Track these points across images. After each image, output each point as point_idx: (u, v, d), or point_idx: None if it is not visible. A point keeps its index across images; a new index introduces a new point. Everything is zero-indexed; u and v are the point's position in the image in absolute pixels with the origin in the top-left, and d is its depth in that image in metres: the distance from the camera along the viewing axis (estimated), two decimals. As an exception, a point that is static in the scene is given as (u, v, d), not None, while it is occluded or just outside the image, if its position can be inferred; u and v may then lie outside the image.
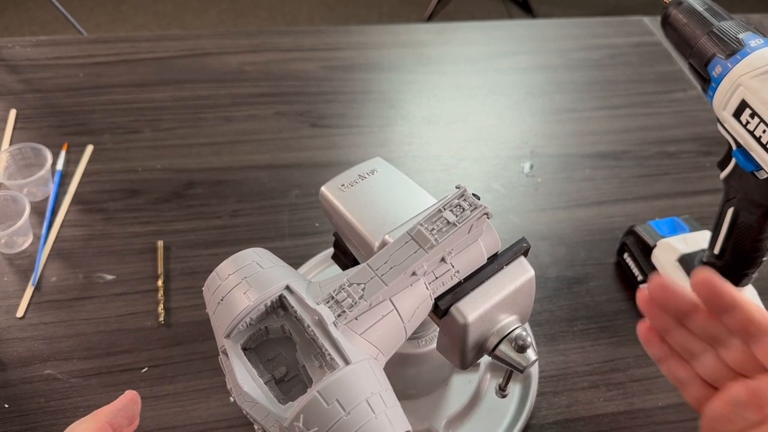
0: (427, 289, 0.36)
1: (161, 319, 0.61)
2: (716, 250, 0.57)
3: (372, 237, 0.41)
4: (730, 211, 0.54)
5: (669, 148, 0.82)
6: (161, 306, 0.61)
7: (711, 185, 0.77)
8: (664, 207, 0.74)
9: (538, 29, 0.99)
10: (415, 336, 0.49)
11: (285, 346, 0.35)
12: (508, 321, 0.39)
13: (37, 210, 0.69)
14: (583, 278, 0.67)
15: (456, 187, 0.37)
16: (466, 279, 0.38)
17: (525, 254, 0.40)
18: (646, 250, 0.64)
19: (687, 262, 0.61)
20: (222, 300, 0.34)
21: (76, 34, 1.65)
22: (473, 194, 0.37)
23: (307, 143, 0.79)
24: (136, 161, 0.75)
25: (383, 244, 0.39)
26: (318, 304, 0.33)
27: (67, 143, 0.75)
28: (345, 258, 0.50)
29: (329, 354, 0.31)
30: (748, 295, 0.59)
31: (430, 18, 2.21)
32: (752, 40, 0.47)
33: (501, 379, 0.46)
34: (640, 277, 0.65)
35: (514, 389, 0.57)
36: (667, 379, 0.60)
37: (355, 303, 0.33)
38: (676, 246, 0.63)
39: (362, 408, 0.30)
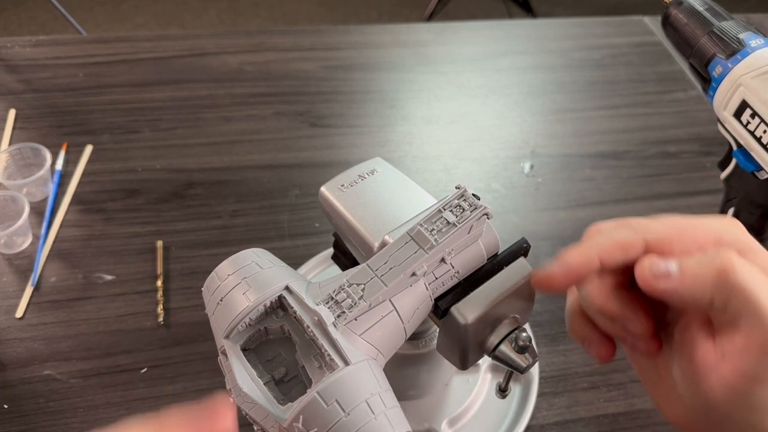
0: (427, 289, 0.36)
1: (161, 319, 0.61)
2: (717, 251, 0.57)
3: (372, 237, 0.40)
4: (730, 212, 0.54)
5: (669, 148, 0.82)
6: (161, 306, 0.61)
7: (711, 185, 0.77)
8: (665, 207, 0.74)
9: (538, 29, 0.99)
10: (415, 336, 0.49)
11: (284, 346, 0.34)
12: (508, 321, 0.39)
13: (37, 210, 0.69)
14: (583, 278, 0.67)
15: (456, 187, 0.37)
16: (466, 279, 0.38)
17: (525, 254, 0.40)
18: (647, 250, 0.64)
19: (687, 263, 0.61)
20: (221, 300, 0.34)
21: (75, 34, 1.65)
22: (473, 194, 0.37)
23: (306, 143, 0.79)
24: (135, 161, 0.75)
25: (383, 244, 0.39)
26: (317, 304, 0.33)
27: (67, 143, 0.75)
28: (345, 258, 0.50)
29: (329, 355, 0.31)
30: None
31: (430, 18, 2.21)
32: (753, 40, 0.46)
33: (501, 380, 0.46)
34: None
35: (515, 390, 0.57)
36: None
37: (355, 303, 0.33)
38: (677, 246, 0.63)
39: (362, 409, 0.30)
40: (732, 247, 0.31)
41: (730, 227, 0.32)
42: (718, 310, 0.29)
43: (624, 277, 0.33)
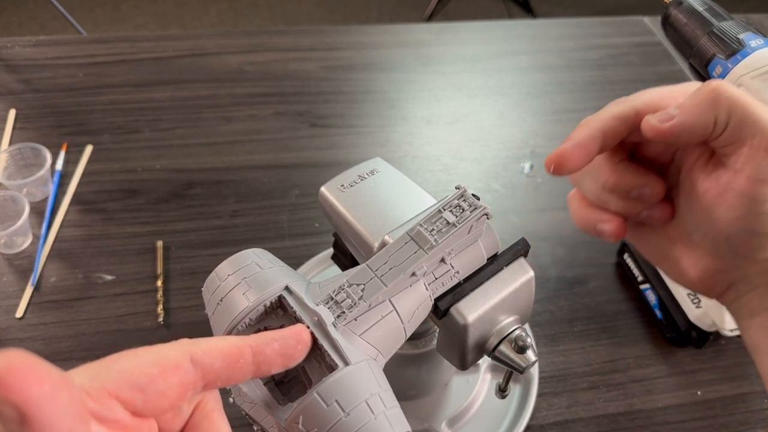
0: (427, 289, 0.36)
1: (161, 319, 0.61)
2: (716, 251, 0.57)
3: (372, 237, 0.40)
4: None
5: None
6: (161, 306, 0.61)
7: (711, 185, 0.77)
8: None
9: (538, 29, 0.99)
10: (415, 336, 0.49)
11: (284, 346, 0.34)
12: (508, 322, 0.39)
13: (37, 210, 0.69)
14: (583, 279, 0.67)
15: (456, 188, 0.37)
16: (466, 280, 0.38)
17: (525, 255, 0.40)
18: (647, 250, 0.64)
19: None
20: (221, 301, 0.34)
21: (75, 34, 1.65)
22: (473, 194, 0.37)
23: (307, 143, 0.79)
24: (135, 161, 0.75)
25: (383, 244, 0.39)
26: (317, 304, 0.33)
27: (67, 143, 0.75)
28: (345, 258, 0.50)
29: (329, 355, 0.31)
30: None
31: (430, 18, 2.21)
32: (752, 41, 0.46)
33: (501, 380, 0.46)
34: (640, 278, 0.65)
35: (515, 390, 0.57)
36: (668, 379, 0.60)
37: (355, 304, 0.33)
38: (677, 246, 0.63)
39: (362, 409, 0.30)
40: None
41: (711, 82, 0.35)
42: (721, 128, 0.32)
43: (624, 153, 0.36)
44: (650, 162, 0.38)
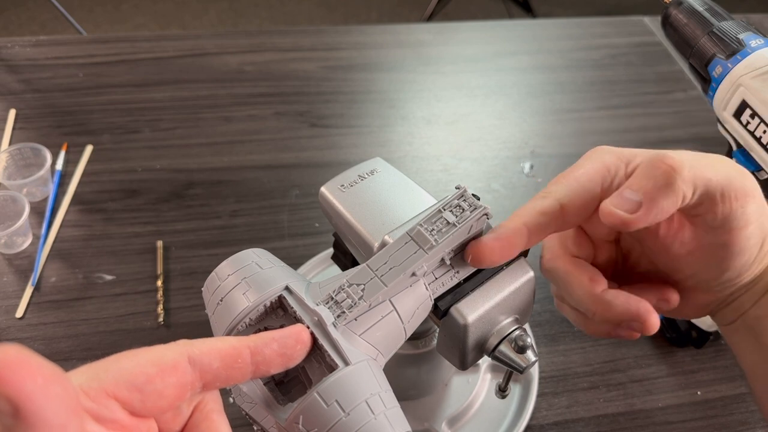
0: (427, 289, 0.36)
1: (161, 319, 0.61)
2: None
3: (372, 237, 0.40)
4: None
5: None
6: (161, 306, 0.61)
7: (711, 185, 0.77)
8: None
9: (538, 29, 0.99)
10: (415, 336, 0.49)
11: (284, 346, 0.34)
12: (508, 322, 0.39)
13: (37, 210, 0.69)
14: (583, 278, 0.67)
15: (456, 188, 0.37)
16: (466, 280, 0.38)
17: (525, 255, 0.40)
18: (647, 250, 0.64)
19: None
20: (221, 300, 0.34)
21: (75, 34, 1.65)
22: (473, 194, 0.37)
23: (306, 143, 0.79)
24: (135, 161, 0.75)
25: (383, 244, 0.39)
26: (317, 304, 0.33)
27: (67, 143, 0.75)
28: (345, 258, 0.50)
29: (329, 355, 0.31)
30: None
31: (430, 18, 2.21)
32: (752, 41, 0.46)
33: (501, 380, 0.46)
34: (640, 278, 0.65)
35: (515, 390, 0.57)
36: (668, 379, 0.60)
37: (355, 304, 0.33)
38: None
39: (362, 409, 0.30)
40: (621, 161, 0.34)
41: (604, 152, 0.35)
42: (688, 201, 0.32)
43: (606, 279, 0.36)
44: (598, 238, 0.38)
